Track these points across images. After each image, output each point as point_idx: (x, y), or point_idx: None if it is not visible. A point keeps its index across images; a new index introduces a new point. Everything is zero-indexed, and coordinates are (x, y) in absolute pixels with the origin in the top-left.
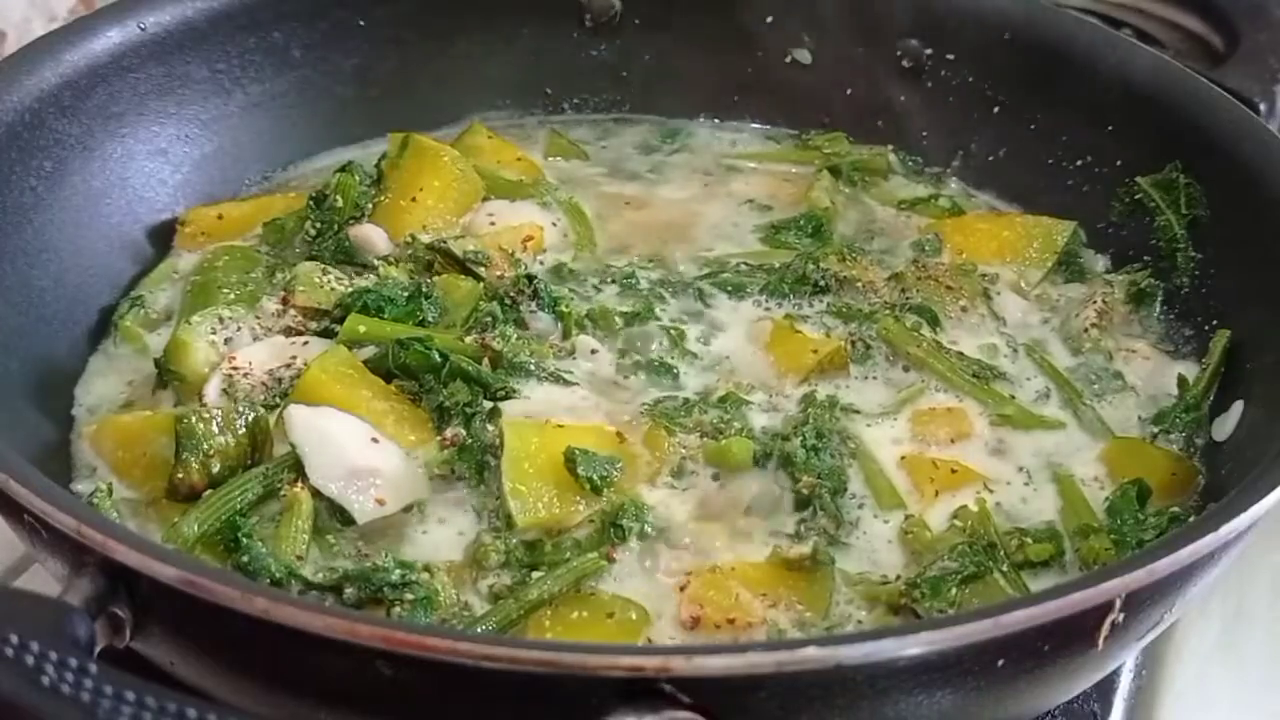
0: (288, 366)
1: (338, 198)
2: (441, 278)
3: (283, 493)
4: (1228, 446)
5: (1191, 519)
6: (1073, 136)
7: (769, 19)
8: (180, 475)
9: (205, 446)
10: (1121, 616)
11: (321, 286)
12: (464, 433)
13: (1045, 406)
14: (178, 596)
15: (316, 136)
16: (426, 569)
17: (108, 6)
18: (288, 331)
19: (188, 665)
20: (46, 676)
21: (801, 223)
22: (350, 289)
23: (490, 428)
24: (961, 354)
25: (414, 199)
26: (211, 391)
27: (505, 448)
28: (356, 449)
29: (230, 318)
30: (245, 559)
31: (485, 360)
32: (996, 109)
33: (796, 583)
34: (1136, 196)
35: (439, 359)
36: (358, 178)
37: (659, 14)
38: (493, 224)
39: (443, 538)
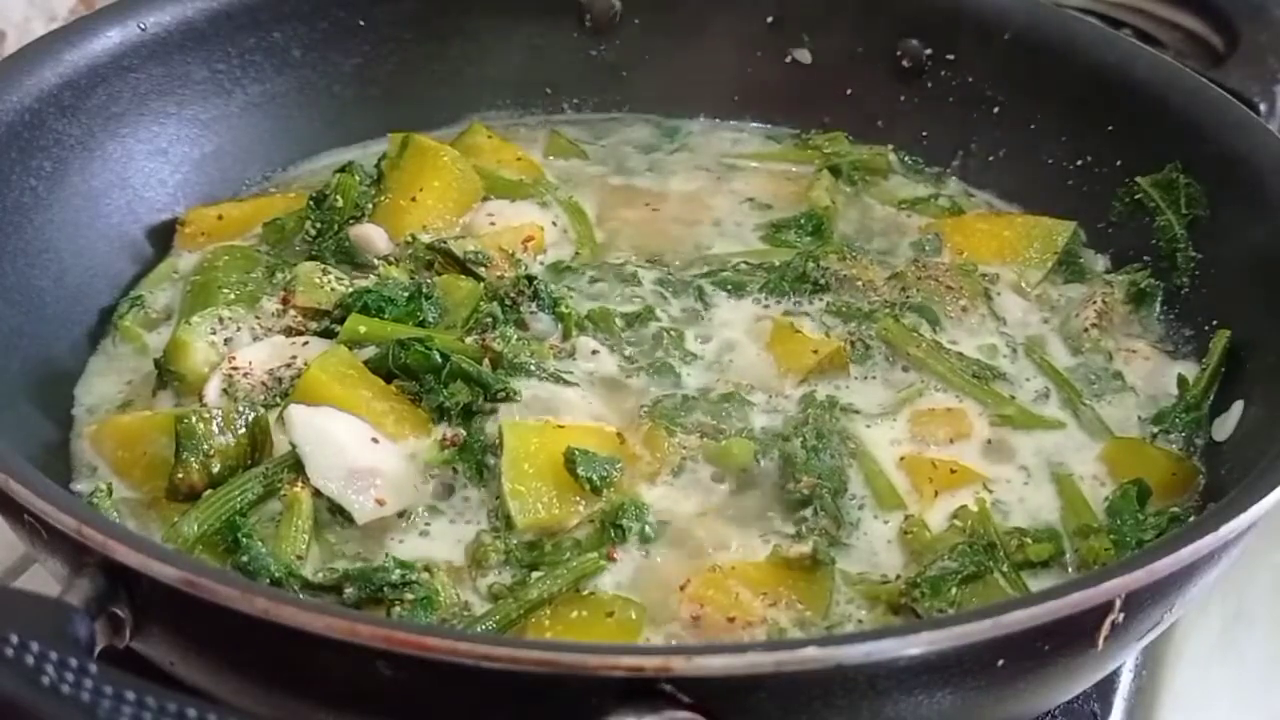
0: (288, 366)
1: (338, 198)
2: (441, 278)
3: (283, 493)
4: (1228, 446)
5: (1191, 519)
6: (1073, 136)
7: (769, 19)
8: (180, 475)
9: (205, 446)
10: (1121, 616)
11: (321, 286)
12: (464, 433)
13: (1045, 406)
14: (178, 596)
15: (316, 136)
16: (426, 569)
17: (108, 6)
18: (288, 331)
19: (188, 665)
20: (46, 676)
21: (802, 221)
22: (350, 289)
23: (490, 428)
24: (961, 354)
25: (414, 199)
26: (211, 391)
27: (505, 448)
28: (356, 449)
29: (230, 318)
30: (245, 559)
31: (485, 361)
32: (996, 109)
33: (796, 582)
34: (1136, 196)
35: (439, 359)
36: (358, 178)
37: (659, 14)
38: (493, 224)
39: (443, 538)
